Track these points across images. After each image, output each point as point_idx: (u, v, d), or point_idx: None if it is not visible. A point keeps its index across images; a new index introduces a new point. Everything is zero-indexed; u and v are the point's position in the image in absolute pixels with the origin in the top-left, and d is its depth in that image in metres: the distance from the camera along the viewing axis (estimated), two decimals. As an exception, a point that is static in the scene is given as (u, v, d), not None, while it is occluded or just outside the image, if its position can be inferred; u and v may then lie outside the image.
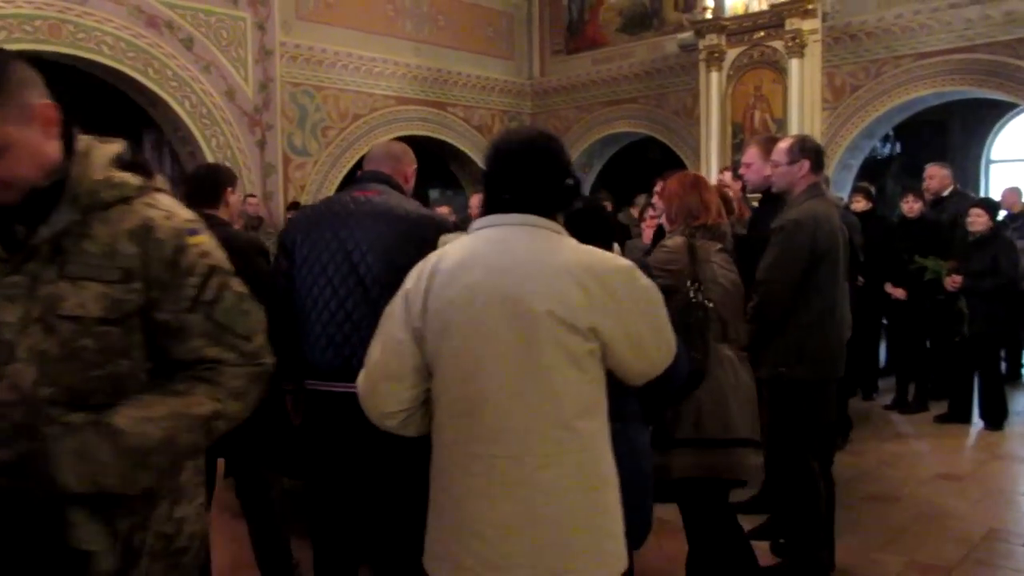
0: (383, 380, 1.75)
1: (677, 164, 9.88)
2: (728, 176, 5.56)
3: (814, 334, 3.31)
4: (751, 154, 3.97)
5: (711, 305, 2.85)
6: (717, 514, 2.96)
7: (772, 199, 3.79)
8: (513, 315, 1.62)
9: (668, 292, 2.65)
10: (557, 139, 1.87)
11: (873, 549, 3.80)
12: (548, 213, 1.74)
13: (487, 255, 1.68)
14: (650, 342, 1.73)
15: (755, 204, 4.52)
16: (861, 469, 4.96)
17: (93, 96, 10.20)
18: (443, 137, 11.10)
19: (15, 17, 7.29)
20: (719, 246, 3.01)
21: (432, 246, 1.91)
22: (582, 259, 1.67)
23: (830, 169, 8.68)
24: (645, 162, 11.50)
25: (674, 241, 2.98)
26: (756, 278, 3.32)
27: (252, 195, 8.66)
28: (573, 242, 1.74)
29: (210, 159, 8.75)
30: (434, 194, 12.85)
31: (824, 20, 8.65)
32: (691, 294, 2.83)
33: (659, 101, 10.61)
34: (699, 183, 3.12)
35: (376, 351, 1.77)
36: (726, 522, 2.99)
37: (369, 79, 10.15)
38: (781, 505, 3.70)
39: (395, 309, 1.75)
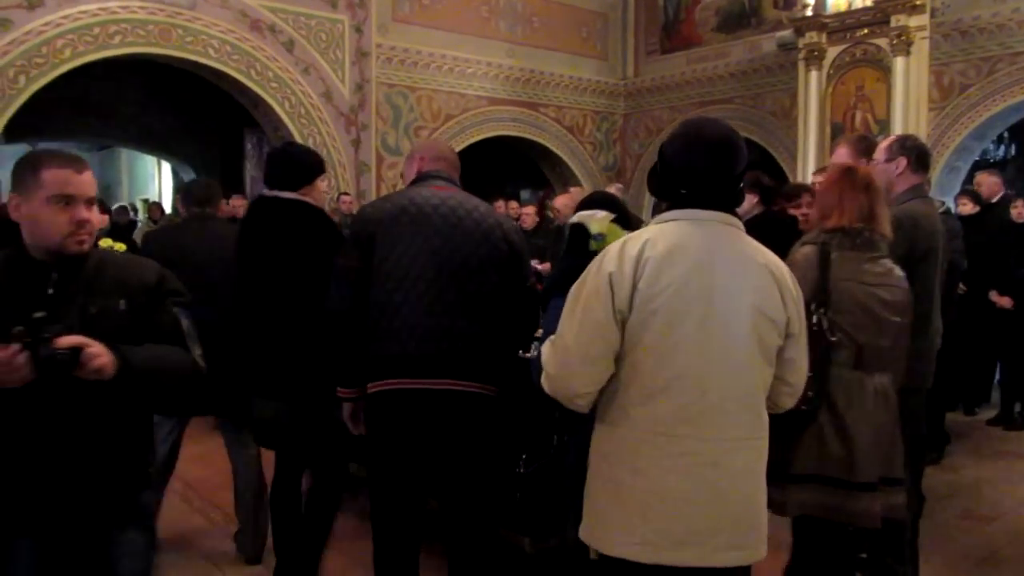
0: (581, 363, 1.79)
1: (773, 166, 9.62)
2: (820, 178, 5.37)
3: (916, 339, 3.17)
4: (840, 153, 3.83)
5: (834, 338, 2.47)
6: (829, 551, 2.71)
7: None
8: (719, 307, 1.73)
9: None
10: (741, 136, 1.91)
11: (961, 570, 3.61)
12: (731, 210, 1.85)
13: (695, 248, 1.76)
14: (803, 361, 1.91)
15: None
16: (956, 486, 4.71)
17: (200, 97, 10.70)
18: (534, 138, 11.14)
19: (129, 22, 7.70)
20: (875, 255, 2.59)
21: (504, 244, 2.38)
22: (773, 259, 1.85)
23: (935, 172, 8.30)
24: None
25: (802, 251, 2.62)
26: None
27: (346, 193, 8.89)
28: (762, 246, 1.87)
29: (307, 158, 9.02)
30: (525, 194, 12.91)
31: (933, 16, 8.27)
32: (812, 319, 2.41)
33: (755, 101, 10.36)
34: (846, 176, 2.64)
35: (570, 334, 1.79)
36: (836, 559, 2.76)
37: (462, 80, 10.28)
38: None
39: (597, 291, 1.75)
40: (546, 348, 1.87)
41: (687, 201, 1.82)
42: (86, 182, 1.82)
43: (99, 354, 1.67)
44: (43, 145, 18.88)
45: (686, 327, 1.72)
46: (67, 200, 1.77)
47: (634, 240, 1.79)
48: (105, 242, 4.41)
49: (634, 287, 1.73)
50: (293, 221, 3.03)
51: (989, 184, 6.46)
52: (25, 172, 1.80)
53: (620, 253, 1.77)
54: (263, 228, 3.09)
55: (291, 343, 2.93)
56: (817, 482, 2.52)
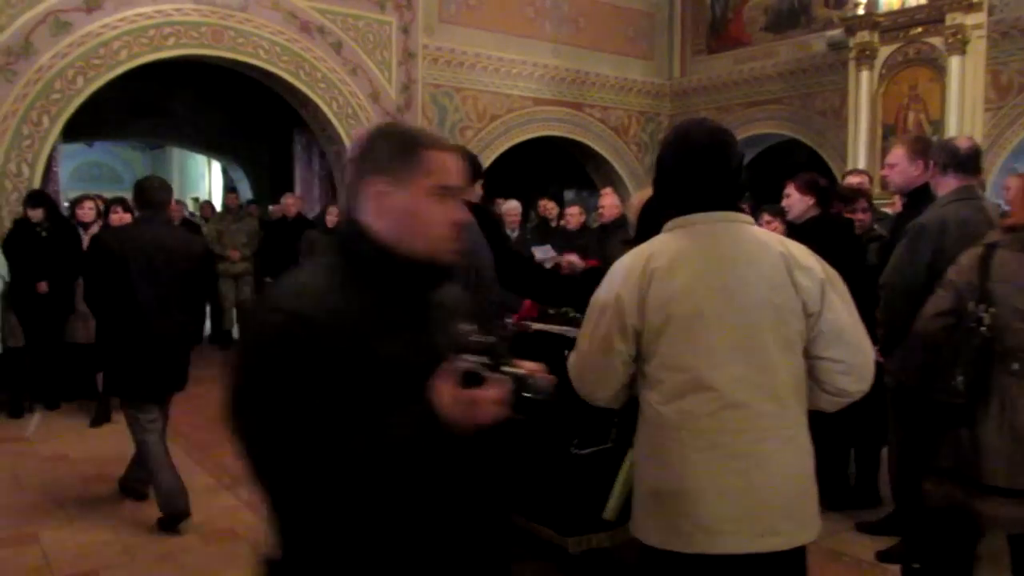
0: (593, 370, 1.93)
1: (822, 167, 9.48)
2: (856, 179, 5.26)
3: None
4: (897, 154, 3.78)
5: (990, 335, 2.54)
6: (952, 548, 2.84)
7: (916, 202, 3.58)
8: (731, 304, 1.79)
9: (946, 314, 2.63)
10: (730, 131, 1.98)
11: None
12: (734, 206, 1.90)
13: (700, 249, 1.84)
14: (852, 335, 1.85)
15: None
16: None
17: (250, 97, 10.87)
18: (579, 138, 11.12)
19: (182, 24, 7.86)
20: None
21: None
22: (780, 243, 1.87)
23: (991, 174, 8.10)
24: (791, 165, 11.10)
25: (971, 251, 2.73)
26: (879, 281, 3.16)
27: (392, 193, 8.94)
28: (770, 233, 1.92)
29: (354, 158, 9.11)
30: (569, 195, 12.89)
31: (990, 14, 8.06)
32: (973, 316, 2.56)
33: (804, 102, 10.21)
34: None
35: (585, 343, 1.94)
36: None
37: (508, 80, 10.30)
38: (914, 527, 3.48)
39: (604, 309, 1.88)
40: (572, 353, 2.00)
41: (688, 206, 1.89)
42: (463, 175, 1.47)
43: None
44: (100, 144, 19.11)
45: (702, 328, 1.79)
46: (448, 193, 1.41)
47: (638, 255, 1.87)
48: None
49: (642, 300, 1.82)
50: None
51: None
52: (395, 150, 1.40)
53: (626, 271, 1.87)
54: None
55: None
56: (954, 478, 2.66)
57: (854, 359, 1.86)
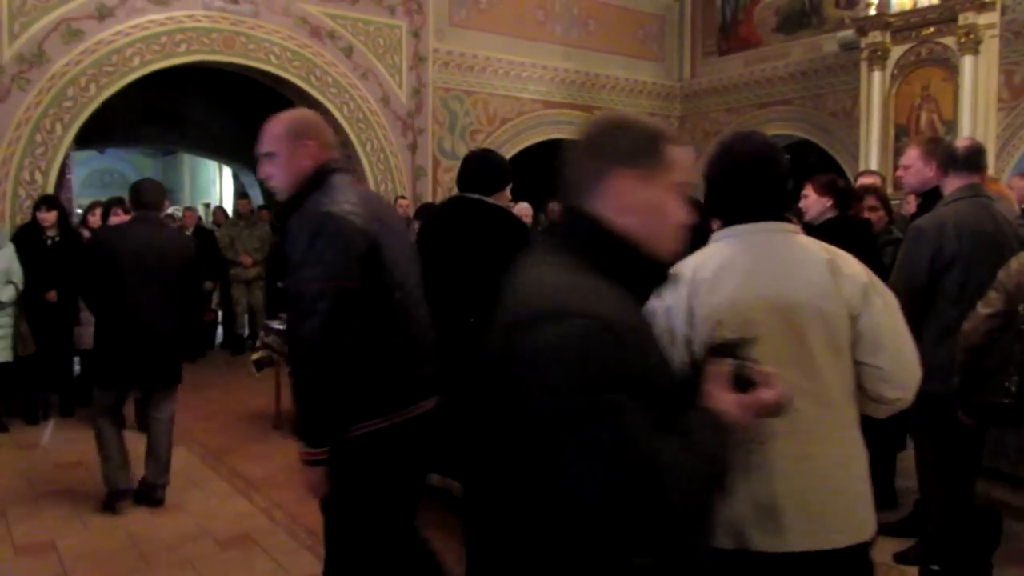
0: None
1: (834, 168, 9.43)
2: (868, 180, 5.25)
3: (943, 345, 3.09)
4: (911, 155, 3.76)
5: None
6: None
7: (929, 202, 3.56)
8: (779, 311, 1.81)
9: (996, 316, 2.67)
10: (776, 144, 2.00)
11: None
12: (780, 216, 1.94)
13: (743, 262, 1.88)
14: (892, 340, 1.85)
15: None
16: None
17: (261, 102, 10.88)
18: (590, 141, 11.09)
19: (195, 31, 7.89)
20: None
21: None
22: (834, 256, 1.89)
23: (1005, 174, 8.05)
24: (803, 166, 11.07)
25: (1022, 254, 2.81)
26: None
27: (403, 197, 8.97)
28: (814, 240, 1.94)
29: (365, 163, 9.15)
30: (579, 198, 12.86)
31: (1003, 13, 8.01)
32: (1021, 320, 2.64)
33: (815, 103, 10.17)
34: None
35: None
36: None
37: (518, 83, 10.30)
38: (936, 529, 3.46)
39: (654, 316, 1.82)
40: None
41: (736, 217, 1.93)
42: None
43: None
44: (111, 151, 19.18)
45: (750, 332, 1.75)
46: (685, 191, 1.38)
47: (685, 266, 1.89)
48: None
49: (690, 311, 1.85)
50: (493, 223, 3.16)
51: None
52: (640, 143, 1.36)
53: (675, 283, 1.84)
54: (464, 227, 3.17)
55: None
56: (993, 477, 2.83)
57: (892, 366, 1.86)
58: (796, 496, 1.81)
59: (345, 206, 2.26)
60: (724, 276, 1.85)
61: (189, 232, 8.69)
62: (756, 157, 1.93)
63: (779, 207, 1.97)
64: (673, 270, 1.82)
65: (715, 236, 1.97)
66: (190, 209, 9.95)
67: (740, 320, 1.81)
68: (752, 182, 1.91)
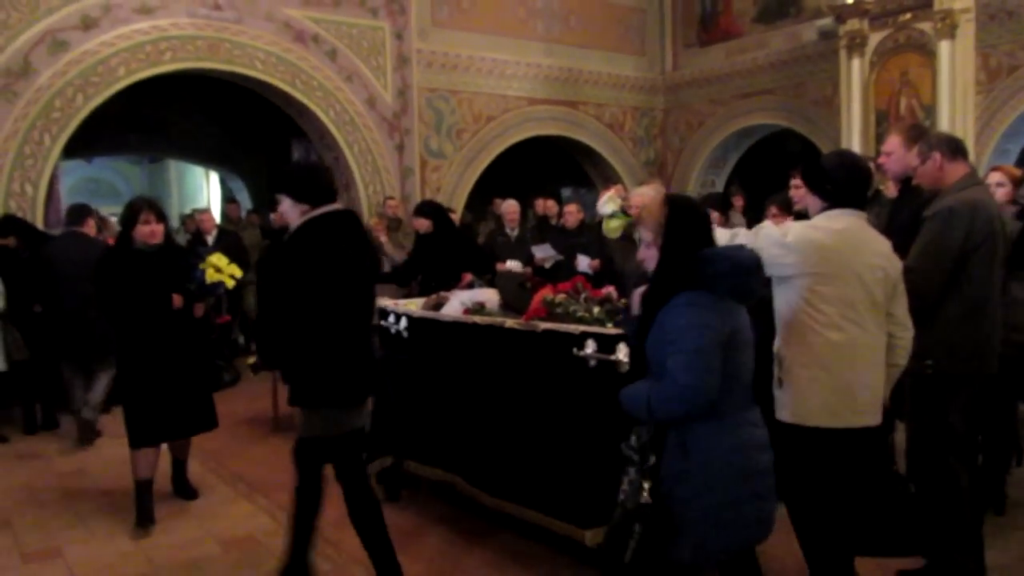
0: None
1: (816, 156, 9.53)
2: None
3: (964, 327, 3.17)
4: (892, 142, 3.83)
5: None
6: None
7: (911, 189, 3.64)
8: (865, 267, 2.76)
9: None
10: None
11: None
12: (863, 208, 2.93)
13: (852, 229, 2.81)
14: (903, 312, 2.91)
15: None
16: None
17: (247, 108, 10.94)
18: (575, 136, 11.19)
19: (179, 38, 7.93)
20: None
21: None
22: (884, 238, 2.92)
23: (985, 155, 8.18)
24: (784, 155, 11.17)
25: None
26: (904, 266, 3.22)
27: (391, 197, 9.03)
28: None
29: (353, 164, 9.20)
30: (566, 192, 12.94)
31: (978, -2, 8.14)
32: None
33: (796, 91, 10.28)
34: None
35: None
36: None
37: (502, 81, 10.36)
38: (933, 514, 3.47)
39: (785, 260, 2.77)
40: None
41: (835, 200, 2.85)
42: None
43: None
44: (98, 160, 19.13)
45: (854, 280, 2.72)
46: None
47: (818, 229, 2.81)
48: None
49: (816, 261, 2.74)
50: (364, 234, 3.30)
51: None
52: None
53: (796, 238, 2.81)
54: (353, 242, 3.19)
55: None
56: None
57: (904, 335, 2.88)
58: (864, 390, 2.74)
59: None
60: (841, 237, 2.75)
61: (210, 237, 8.47)
62: (866, 168, 2.94)
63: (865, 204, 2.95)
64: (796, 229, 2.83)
65: (830, 213, 2.83)
66: (205, 211, 9.56)
67: (839, 271, 2.72)
68: (862, 182, 2.90)
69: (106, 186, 18.83)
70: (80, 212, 6.30)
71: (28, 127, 7.25)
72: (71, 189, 16.73)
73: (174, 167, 18.41)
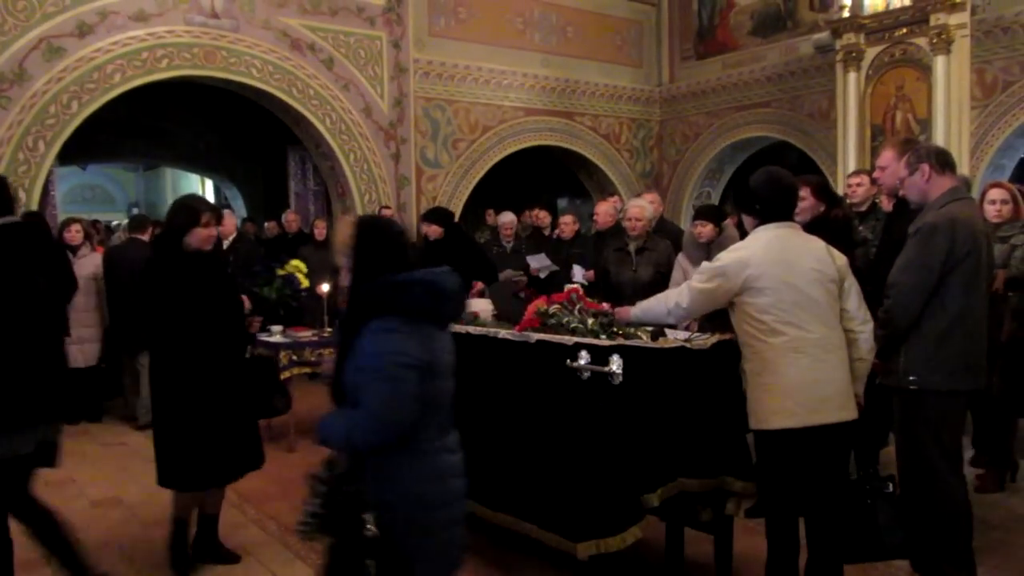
0: (703, 305, 3.13)
1: (813, 169, 9.56)
2: (855, 180, 5.35)
3: (946, 343, 3.17)
4: (886, 157, 3.84)
5: None
6: None
7: (905, 203, 3.64)
8: (798, 273, 2.91)
9: None
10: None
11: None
12: (791, 218, 3.09)
13: (778, 244, 2.96)
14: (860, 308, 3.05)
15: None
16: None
17: (243, 116, 10.93)
18: (571, 147, 11.20)
19: (175, 46, 7.92)
20: None
21: None
22: (819, 240, 3.07)
23: (980, 171, 8.20)
24: (781, 167, 11.19)
25: None
26: (887, 281, 3.21)
27: (387, 207, 9.02)
28: (805, 232, 3.13)
29: (348, 173, 9.19)
30: (562, 203, 12.97)
31: (973, 13, 8.17)
32: None
33: (792, 104, 10.32)
34: None
35: (695, 292, 3.07)
36: None
37: (498, 91, 10.38)
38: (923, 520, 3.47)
39: (715, 286, 2.99)
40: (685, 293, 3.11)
41: (764, 216, 3.02)
42: None
43: None
44: (93, 166, 19.11)
45: (783, 286, 2.87)
46: None
47: (738, 250, 3.01)
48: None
49: (744, 277, 2.92)
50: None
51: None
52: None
53: (734, 260, 2.98)
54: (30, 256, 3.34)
55: None
56: None
57: (860, 329, 3.00)
58: (823, 387, 2.85)
59: None
60: (767, 253, 2.92)
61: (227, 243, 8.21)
62: (791, 183, 3.11)
63: (792, 214, 3.09)
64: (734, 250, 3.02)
65: (756, 231, 3.02)
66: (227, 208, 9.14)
67: (775, 282, 2.87)
68: (790, 198, 3.09)
69: (101, 193, 18.80)
70: (141, 221, 7.10)
71: (23, 133, 7.23)
72: (66, 196, 16.72)
73: (169, 174, 18.40)
